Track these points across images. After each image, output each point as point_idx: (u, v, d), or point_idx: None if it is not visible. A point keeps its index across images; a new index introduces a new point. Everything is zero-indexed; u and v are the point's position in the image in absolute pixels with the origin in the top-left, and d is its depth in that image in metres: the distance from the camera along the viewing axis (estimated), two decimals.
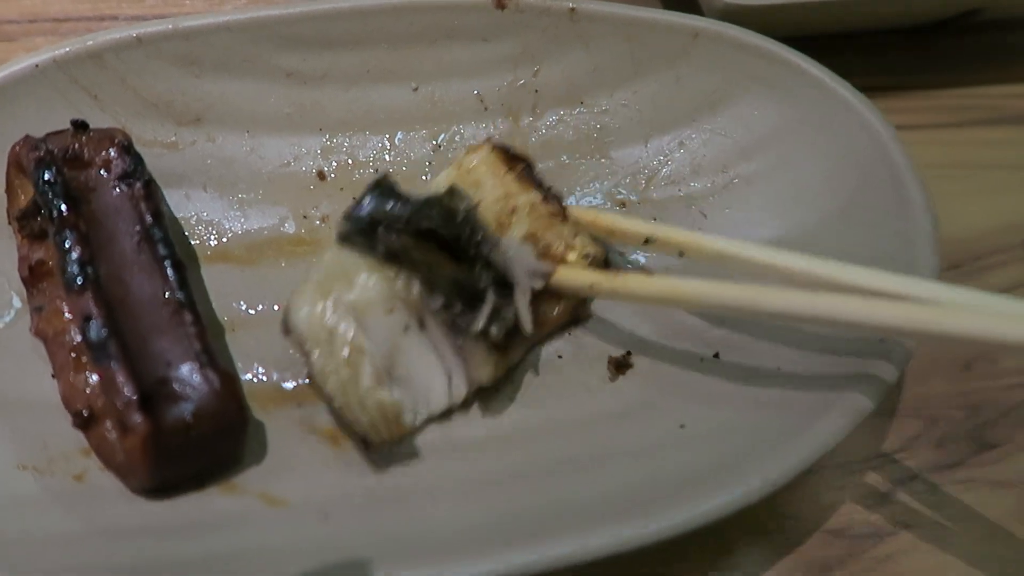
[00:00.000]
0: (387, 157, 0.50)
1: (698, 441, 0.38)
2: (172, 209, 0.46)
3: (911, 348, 0.38)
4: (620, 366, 0.43)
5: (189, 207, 0.47)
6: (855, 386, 0.37)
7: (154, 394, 0.35)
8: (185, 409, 0.35)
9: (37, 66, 0.44)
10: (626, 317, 0.45)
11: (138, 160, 0.42)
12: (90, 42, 0.45)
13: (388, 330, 0.39)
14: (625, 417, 0.40)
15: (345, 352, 0.38)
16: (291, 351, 0.42)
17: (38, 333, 0.40)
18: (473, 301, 0.39)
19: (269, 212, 0.48)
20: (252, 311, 0.44)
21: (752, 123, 0.50)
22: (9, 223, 0.42)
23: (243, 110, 0.48)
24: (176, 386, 0.36)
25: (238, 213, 0.47)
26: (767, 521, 0.41)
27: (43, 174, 0.39)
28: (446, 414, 0.41)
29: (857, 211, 0.45)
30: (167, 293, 0.38)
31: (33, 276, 0.40)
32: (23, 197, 0.42)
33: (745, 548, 0.40)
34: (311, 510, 0.37)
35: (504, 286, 0.40)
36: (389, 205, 0.40)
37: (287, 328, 0.39)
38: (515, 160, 0.46)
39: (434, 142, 0.51)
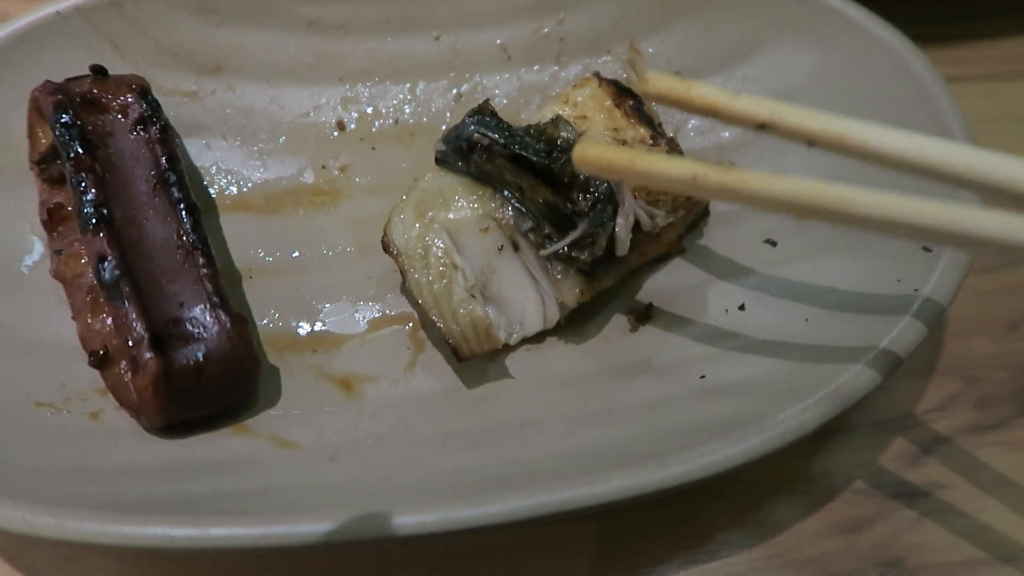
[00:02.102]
0: (407, 108, 0.49)
1: (717, 393, 0.37)
2: (192, 158, 0.46)
3: (944, 302, 0.36)
4: (641, 318, 0.42)
5: (209, 156, 0.47)
6: (885, 340, 0.35)
7: (166, 334, 0.35)
8: (196, 349, 0.35)
9: (59, 13, 0.44)
10: (649, 270, 0.43)
11: (155, 105, 0.42)
12: None
13: (482, 249, 0.40)
14: (644, 370, 0.39)
15: (440, 267, 0.38)
16: (309, 300, 0.42)
17: (57, 275, 0.40)
18: (564, 226, 0.39)
19: (288, 162, 0.47)
20: (269, 258, 0.44)
21: (785, 71, 0.47)
22: (30, 167, 0.42)
23: (263, 60, 0.48)
24: (188, 327, 0.36)
25: (257, 163, 0.47)
26: (796, 477, 0.40)
27: (60, 117, 0.39)
28: (538, 337, 0.41)
29: None
30: (181, 236, 0.38)
31: (52, 220, 0.40)
32: (44, 141, 0.42)
33: (771, 504, 0.39)
34: (320, 452, 0.36)
35: (600, 212, 0.39)
36: (489, 128, 0.40)
37: (385, 245, 0.40)
38: (624, 95, 0.45)
39: (455, 91, 0.50)
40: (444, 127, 0.49)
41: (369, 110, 0.49)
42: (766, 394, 0.35)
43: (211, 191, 0.46)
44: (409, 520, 0.31)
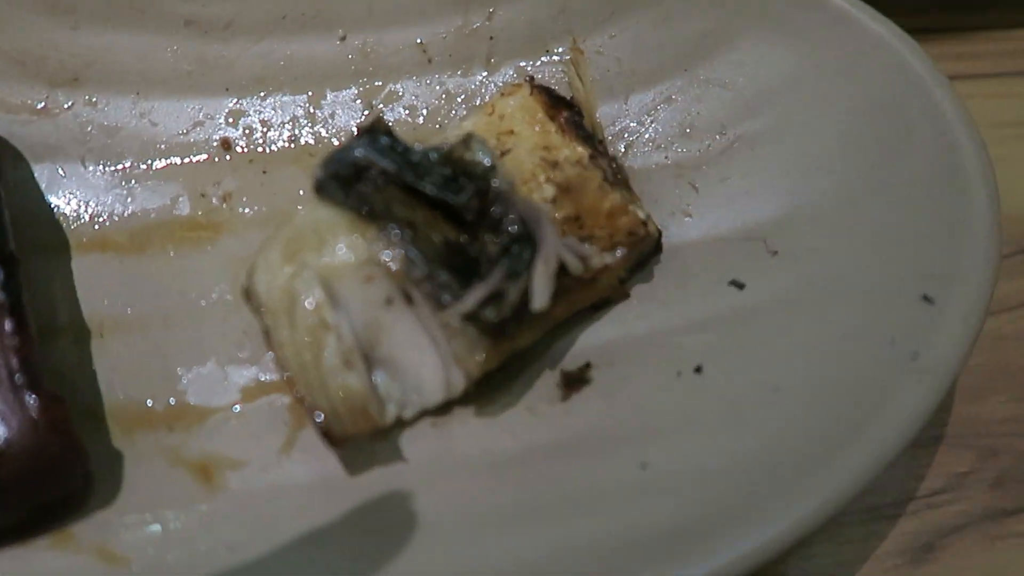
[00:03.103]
0: (307, 122, 0.41)
1: (659, 490, 0.29)
2: (42, 187, 0.39)
3: (950, 371, 0.28)
4: (574, 382, 0.34)
5: (63, 185, 0.39)
6: (877, 416, 0.27)
7: None
8: None
9: None
10: (585, 319, 0.35)
11: None
12: None
13: (365, 302, 0.32)
14: (574, 451, 0.31)
15: (309, 326, 0.31)
16: (169, 363, 0.35)
17: None
18: (468, 272, 0.31)
19: (160, 190, 0.39)
20: (128, 310, 0.36)
21: (758, 71, 0.39)
22: None
23: (131, 67, 0.40)
24: None
25: (122, 192, 0.39)
26: None
27: None
28: (443, 408, 0.33)
29: (893, 181, 0.35)
30: None
31: None
32: None
33: None
34: (156, 571, 0.29)
35: (515, 258, 0.31)
36: (380, 151, 0.33)
37: (248, 293, 0.32)
38: (559, 105, 0.38)
39: (366, 102, 0.42)
40: None
41: (260, 126, 0.41)
42: (722, 493, 0.28)
43: (64, 227, 0.38)
44: None
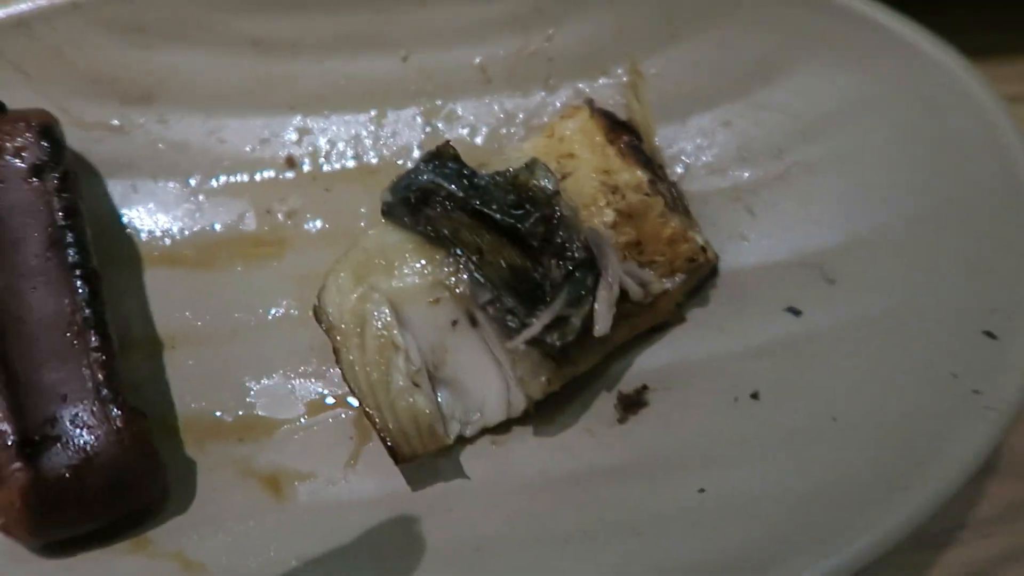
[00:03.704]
0: (369, 141, 0.42)
1: (719, 516, 0.29)
2: (115, 203, 0.40)
3: (1013, 407, 0.28)
4: (631, 404, 0.34)
5: (135, 200, 0.40)
6: (938, 453, 0.28)
7: (41, 436, 0.29)
8: (76, 456, 0.29)
9: None
10: (642, 342, 0.36)
11: (57, 146, 0.35)
12: (17, 8, 0.38)
13: (432, 324, 0.33)
14: (632, 474, 0.32)
15: (377, 347, 0.32)
16: (238, 375, 0.36)
17: None
18: (532, 297, 0.32)
19: (227, 206, 0.41)
20: (198, 323, 0.38)
21: (816, 97, 0.39)
22: None
23: (200, 86, 0.41)
24: (68, 426, 0.30)
25: (191, 207, 0.40)
26: None
27: None
28: (503, 427, 0.34)
29: (952, 210, 0.35)
30: (72, 311, 0.32)
31: None
32: None
33: None
34: None
35: (578, 283, 0.32)
36: (447, 176, 0.33)
37: (318, 314, 0.33)
38: (618, 129, 0.38)
39: (427, 121, 0.43)
40: (408, 163, 0.42)
41: (324, 144, 0.42)
42: (780, 523, 0.28)
43: (136, 241, 0.40)
44: None
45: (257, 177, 0.41)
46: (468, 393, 0.33)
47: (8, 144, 0.35)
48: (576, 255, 0.32)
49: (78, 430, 0.29)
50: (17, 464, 0.28)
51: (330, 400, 0.36)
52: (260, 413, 0.35)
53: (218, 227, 0.40)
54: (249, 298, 0.38)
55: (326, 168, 0.42)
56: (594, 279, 0.32)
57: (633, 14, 0.42)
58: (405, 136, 0.43)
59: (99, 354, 0.31)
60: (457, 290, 0.33)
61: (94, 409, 0.30)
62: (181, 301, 0.38)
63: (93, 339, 0.31)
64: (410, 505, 0.32)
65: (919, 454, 0.28)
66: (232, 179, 0.41)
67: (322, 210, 0.41)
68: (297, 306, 0.38)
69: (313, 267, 0.39)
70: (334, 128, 0.42)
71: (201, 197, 0.41)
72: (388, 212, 0.34)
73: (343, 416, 0.35)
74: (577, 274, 0.32)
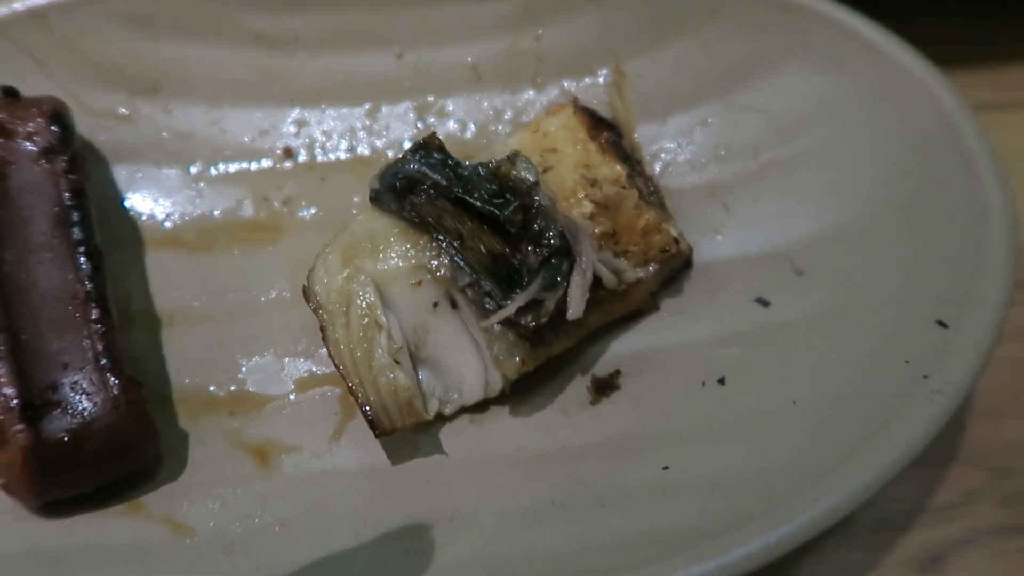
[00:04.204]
0: (363, 134, 0.44)
1: (680, 491, 0.31)
2: (121, 187, 0.42)
3: (959, 392, 0.29)
4: (604, 387, 0.36)
5: (140, 185, 0.42)
6: (886, 431, 0.29)
7: (42, 401, 0.31)
8: (75, 420, 0.31)
9: None
10: (618, 328, 0.38)
11: (66, 133, 0.37)
12: (35, 0, 0.41)
13: (414, 305, 0.35)
14: (601, 452, 0.33)
15: (362, 325, 0.33)
16: (232, 353, 0.38)
17: None
18: (510, 281, 0.34)
19: (227, 193, 0.42)
20: (196, 303, 0.39)
21: (792, 98, 0.41)
22: None
23: (204, 78, 0.43)
24: (69, 392, 0.31)
25: (192, 193, 0.42)
26: None
27: None
28: (481, 406, 0.35)
29: (917, 208, 0.36)
30: (76, 284, 0.34)
31: None
32: None
33: None
34: (215, 542, 0.32)
35: (554, 269, 0.34)
36: (432, 166, 0.35)
37: (306, 293, 0.35)
38: (600, 126, 0.40)
39: (419, 116, 0.44)
40: (399, 155, 0.43)
41: (320, 136, 0.44)
42: (736, 495, 0.30)
43: (139, 224, 0.41)
44: None
45: (256, 166, 0.43)
46: (448, 372, 0.35)
47: (20, 128, 0.37)
48: (552, 242, 0.34)
49: (78, 396, 0.31)
50: (20, 426, 0.30)
51: (318, 379, 0.37)
52: (251, 389, 0.37)
53: (217, 213, 0.42)
54: (245, 280, 0.40)
55: (321, 159, 0.44)
56: (569, 266, 0.34)
57: (619, 16, 0.43)
58: (398, 130, 0.44)
59: (99, 326, 0.33)
60: (439, 273, 0.34)
61: (93, 377, 0.32)
62: (180, 282, 0.40)
63: (94, 312, 0.33)
64: (390, 478, 0.34)
65: (870, 432, 0.29)
66: (232, 167, 0.43)
67: (317, 198, 0.43)
68: (290, 289, 0.40)
69: (307, 252, 0.40)
70: (330, 121, 0.44)
71: (202, 184, 0.43)
72: (375, 198, 0.36)
73: (329, 393, 0.37)
74: (553, 260, 0.34)
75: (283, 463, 0.35)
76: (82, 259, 0.34)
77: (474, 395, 0.35)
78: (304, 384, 0.37)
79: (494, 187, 0.35)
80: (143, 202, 0.42)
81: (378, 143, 0.44)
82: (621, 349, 0.37)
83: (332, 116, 0.44)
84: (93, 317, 0.33)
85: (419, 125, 0.44)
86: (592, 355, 0.37)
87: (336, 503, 0.33)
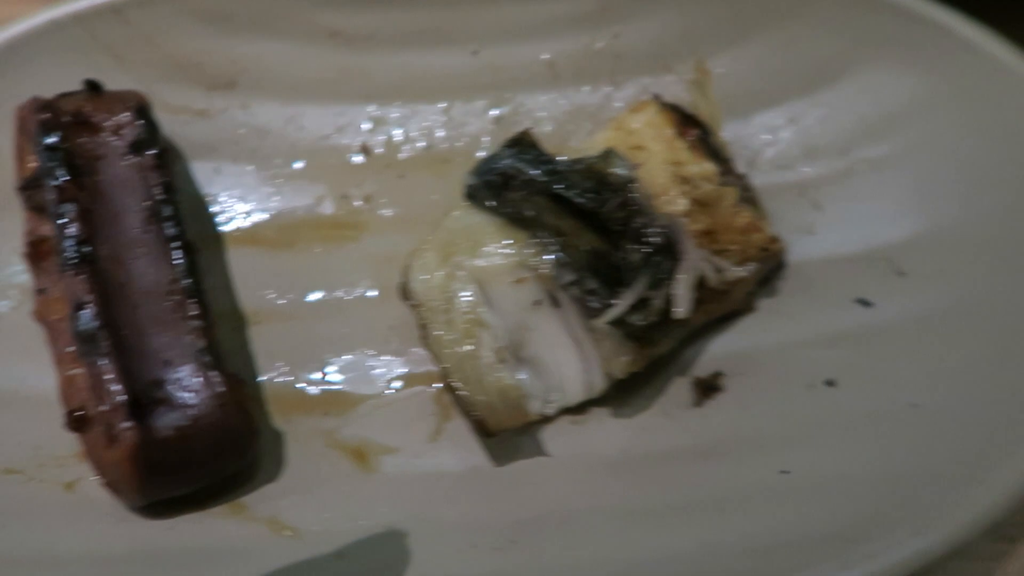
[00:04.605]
0: (440, 131, 0.44)
1: (805, 495, 0.30)
2: (199, 184, 0.41)
3: None
4: (707, 389, 0.35)
5: (218, 182, 0.41)
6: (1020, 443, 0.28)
7: (147, 398, 0.30)
8: (182, 418, 0.30)
9: (54, 21, 0.39)
10: (714, 329, 0.37)
11: (152, 127, 0.37)
12: None
13: (515, 303, 0.34)
14: (712, 455, 0.33)
15: (465, 323, 0.33)
16: (322, 352, 0.37)
17: (38, 317, 0.35)
18: (613, 280, 0.33)
19: (306, 190, 0.42)
20: (280, 301, 0.39)
21: (882, 96, 0.41)
22: (17, 194, 0.38)
23: (281, 74, 0.43)
24: (173, 390, 0.31)
25: (271, 190, 0.42)
26: None
27: (45, 139, 0.34)
28: (581, 407, 0.35)
29: (1019, 207, 0.36)
30: (172, 280, 0.33)
31: (36, 254, 0.36)
32: (31, 165, 0.37)
33: None
34: (324, 544, 0.31)
35: (657, 267, 0.33)
36: (528, 162, 0.35)
37: (405, 292, 0.34)
38: (688, 123, 0.39)
39: (495, 113, 0.44)
40: (480, 153, 0.43)
41: (397, 133, 0.43)
42: (867, 502, 0.29)
43: (218, 221, 0.41)
44: None
45: (333, 163, 0.42)
46: (548, 372, 0.34)
47: (107, 123, 0.36)
48: (654, 240, 0.33)
49: (183, 393, 0.30)
50: (127, 424, 0.29)
51: (411, 378, 0.37)
52: (343, 388, 0.36)
53: (297, 209, 0.41)
54: (328, 278, 0.39)
55: (399, 156, 0.43)
56: (672, 264, 0.33)
57: (699, 13, 0.43)
58: (474, 127, 0.44)
59: (199, 322, 0.32)
60: (540, 271, 0.34)
61: (197, 374, 0.31)
62: (263, 279, 0.39)
63: (193, 308, 0.32)
64: (495, 480, 0.33)
65: (1007, 440, 0.28)
66: (310, 164, 0.42)
67: (396, 196, 0.42)
68: (375, 287, 0.39)
69: (389, 250, 0.40)
70: (406, 118, 0.44)
71: (280, 181, 0.42)
72: (471, 194, 0.35)
73: (423, 394, 0.36)
74: (656, 258, 0.33)
75: (383, 464, 0.34)
76: (177, 254, 0.33)
77: (576, 395, 0.34)
78: (397, 383, 0.36)
79: (590, 183, 0.35)
80: (221, 199, 0.41)
81: (455, 141, 0.44)
82: (719, 350, 0.37)
83: (408, 113, 0.44)
84: (192, 313, 0.32)
85: (495, 122, 0.44)
86: (690, 356, 0.37)
87: (443, 506, 0.32)
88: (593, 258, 0.34)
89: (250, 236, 0.41)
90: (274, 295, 0.39)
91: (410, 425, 0.35)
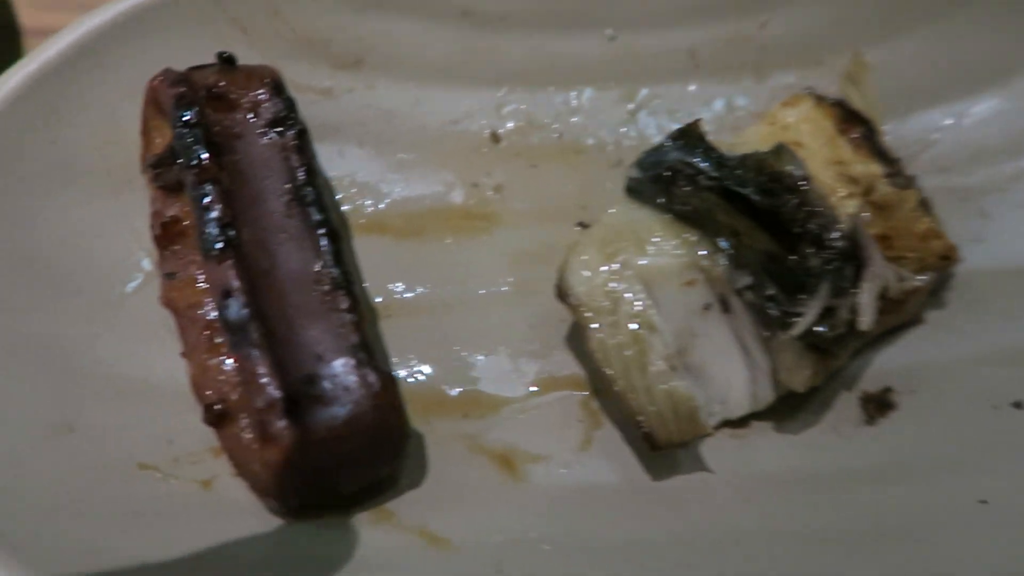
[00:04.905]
0: (574, 119, 0.41)
1: (1007, 529, 0.28)
2: (324, 166, 0.39)
3: None
4: (879, 406, 0.33)
5: (342, 165, 0.39)
6: None
7: (301, 395, 0.28)
8: (338, 416, 0.28)
9: None
10: (878, 343, 0.34)
11: (291, 104, 0.34)
12: None
13: (684, 307, 0.32)
14: (892, 478, 0.30)
15: (632, 327, 0.30)
16: (458, 350, 0.35)
17: (167, 303, 0.33)
18: (791, 286, 0.31)
19: (433, 177, 0.40)
20: (410, 294, 0.37)
21: None
22: (143, 171, 0.36)
23: (409, 54, 0.41)
24: (328, 386, 0.28)
25: (397, 176, 0.40)
26: None
27: (183, 114, 0.32)
28: (742, 420, 0.32)
29: None
30: (320, 268, 0.31)
31: (166, 235, 0.34)
32: (160, 141, 0.35)
33: None
34: (482, 558, 0.29)
35: (837, 273, 0.30)
36: (695, 156, 0.32)
37: (562, 291, 0.32)
38: (853, 120, 0.37)
39: (630, 104, 0.42)
40: (611, 145, 0.41)
41: (527, 120, 0.41)
42: None
43: (343, 207, 0.39)
44: None
45: (462, 149, 0.40)
46: (712, 382, 0.32)
47: (243, 100, 0.34)
48: (836, 244, 0.31)
49: (338, 391, 0.28)
50: (283, 423, 0.27)
51: (555, 382, 0.34)
52: (484, 390, 0.34)
53: (425, 198, 0.39)
54: (461, 272, 0.37)
55: (529, 144, 0.41)
56: (855, 271, 0.31)
57: (854, 4, 0.40)
58: (608, 116, 0.41)
59: (351, 314, 0.30)
60: (713, 273, 0.31)
61: (351, 370, 0.29)
62: (392, 270, 0.37)
63: (344, 299, 0.30)
64: (654, 494, 0.31)
65: None
66: (437, 150, 0.40)
67: (528, 186, 0.40)
68: (511, 284, 0.37)
69: (524, 245, 0.38)
70: (537, 105, 0.41)
71: (406, 166, 0.40)
72: (634, 189, 0.33)
73: (569, 399, 0.34)
74: (838, 264, 0.31)
75: (531, 473, 0.32)
76: (324, 241, 0.31)
77: (740, 408, 0.32)
78: (541, 387, 0.34)
79: (764, 181, 0.32)
80: (345, 183, 0.39)
81: (588, 129, 0.41)
82: (886, 364, 0.34)
83: (539, 99, 0.42)
84: (344, 305, 0.30)
85: (629, 112, 0.42)
86: (854, 370, 0.34)
87: (602, 522, 0.30)
88: (768, 261, 0.31)
89: (376, 224, 0.38)
90: (402, 287, 0.37)
91: (557, 432, 0.33)
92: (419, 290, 0.37)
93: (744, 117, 0.41)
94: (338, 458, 0.28)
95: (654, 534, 0.30)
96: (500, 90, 0.41)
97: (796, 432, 0.33)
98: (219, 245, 0.30)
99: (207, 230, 0.30)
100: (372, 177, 0.39)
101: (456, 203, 0.39)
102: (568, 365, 0.35)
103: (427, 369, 0.35)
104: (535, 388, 0.34)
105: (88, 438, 0.30)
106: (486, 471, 0.32)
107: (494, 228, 0.39)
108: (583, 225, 0.38)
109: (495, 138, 0.41)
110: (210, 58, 0.36)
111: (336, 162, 0.39)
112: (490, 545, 0.29)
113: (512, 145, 0.41)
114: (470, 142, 0.40)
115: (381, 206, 0.39)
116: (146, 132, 0.36)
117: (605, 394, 0.33)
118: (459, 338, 0.35)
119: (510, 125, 0.41)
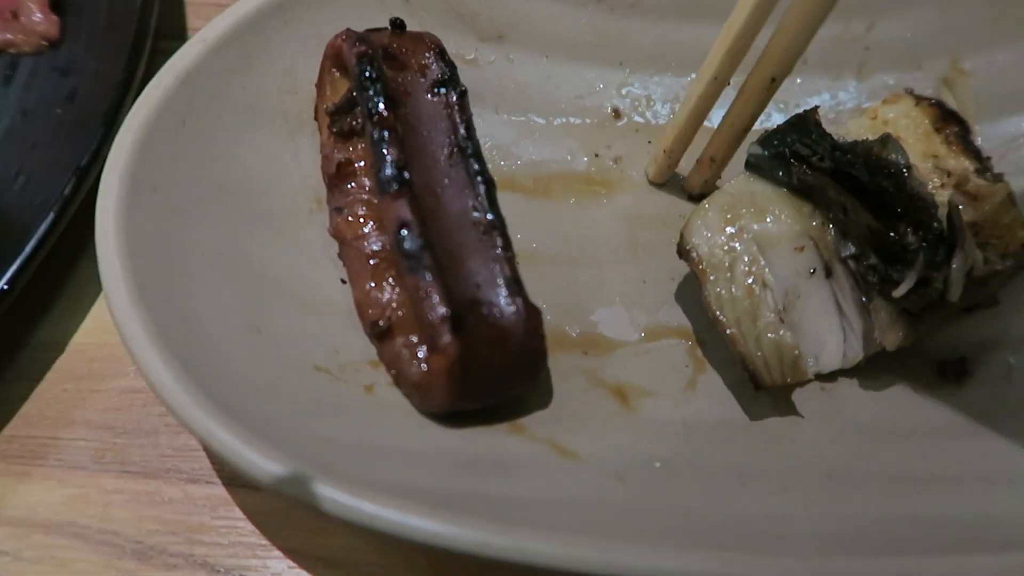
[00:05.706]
0: None
1: None
2: None
3: None
4: (956, 373, 0.37)
5: (481, 128, 0.43)
6: None
7: (465, 315, 0.33)
8: (494, 336, 0.33)
9: None
10: (961, 315, 0.38)
11: (453, 68, 0.39)
12: None
13: (792, 269, 0.36)
14: (972, 434, 0.34)
15: (748, 281, 0.35)
16: (579, 297, 0.40)
17: (335, 234, 0.38)
18: (890, 258, 0.35)
19: (559, 145, 0.44)
20: (536, 245, 0.41)
21: None
22: (315, 118, 0.41)
23: (545, 32, 0.45)
24: (485, 310, 0.33)
25: (528, 141, 0.44)
26: None
27: (365, 70, 0.37)
28: (830, 376, 0.37)
29: None
30: (478, 212, 0.36)
31: (338, 175, 0.39)
32: (331, 93, 0.40)
33: None
34: (604, 468, 0.33)
35: (934, 251, 0.34)
36: (811, 139, 0.37)
37: (683, 248, 0.37)
38: (948, 119, 0.41)
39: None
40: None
41: (646, 101, 0.45)
42: None
43: None
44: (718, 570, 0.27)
45: (586, 122, 0.45)
46: (809, 338, 0.36)
47: (412, 61, 0.39)
48: (934, 225, 0.35)
49: (494, 315, 0.33)
50: (449, 337, 0.32)
51: (666, 331, 0.39)
52: (603, 332, 0.39)
53: (552, 163, 0.44)
54: (583, 230, 0.42)
55: (648, 122, 0.45)
56: (947, 250, 0.35)
57: (960, 11, 0.44)
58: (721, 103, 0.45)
59: (505, 252, 0.35)
60: (822, 242, 0.36)
61: (506, 299, 0.34)
62: (522, 224, 0.41)
63: (499, 239, 0.35)
64: (751, 432, 0.35)
65: None
66: (564, 121, 0.45)
67: (644, 160, 0.44)
68: (625, 244, 0.41)
69: (639, 209, 0.43)
70: (656, 87, 0.46)
71: (536, 134, 0.44)
72: (753, 163, 0.37)
73: (677, 347, 0.38)
74: (930, 241, 0.35)
75: (643, 405, 0.36)
76: (481, 188, 0.36)
77: (832, 363, 0.36)
78: (652, 334, 0.39)
79: (872, 165, 0.36)
80: (485, 144, 0.43)
81: None
82: (964, 337, 0.38)
83: (658, 82, 0.46)
84: (499, 244, 0.35)
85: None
86: (936, 341, 0.38)
87: (707, 449, 0.35)
88: (871, 235, 0.35)
89: (508, 182, 0.43)
90: (532, 240, 0.41)
91: (666, 374, 0.37)
92: (546, 243, 0.41)
93: (844, 112, 0.45)
94: (490, 371, 0.33)
95: (751, 461, 0.34)
96: (623, 71, 0.46)
97: (878, 389, 0.37)
98: (396, 185, 0.35)
99: (385, 171, 0.35)
100: (506, 140, 0.44)
101: (579, 170, 0.44)
102: (677, 317, 0.39)
103: (552, 310, 0.39)
104: (647, 335, 0.39)
105: (273, 340, 0.35)
106: (604, 400, 0.36)
107: (612, 194, 0.43)
108: (693, 198, 0.43)
109: (616, 114, 0.45)
110: (374, 22, 0.41)
111: (476, 125, 0.44)
112: (611, 460, 0.34)
113: (631, 122, 0.45)
114: (594, 116, 0.45)
115: (514, 167, 0.44)
116: (321, 84, 0.41)
117: (711, 343, 0.38)
118: (579, 287, 0.40)
119: (630, 103, 0.45)
